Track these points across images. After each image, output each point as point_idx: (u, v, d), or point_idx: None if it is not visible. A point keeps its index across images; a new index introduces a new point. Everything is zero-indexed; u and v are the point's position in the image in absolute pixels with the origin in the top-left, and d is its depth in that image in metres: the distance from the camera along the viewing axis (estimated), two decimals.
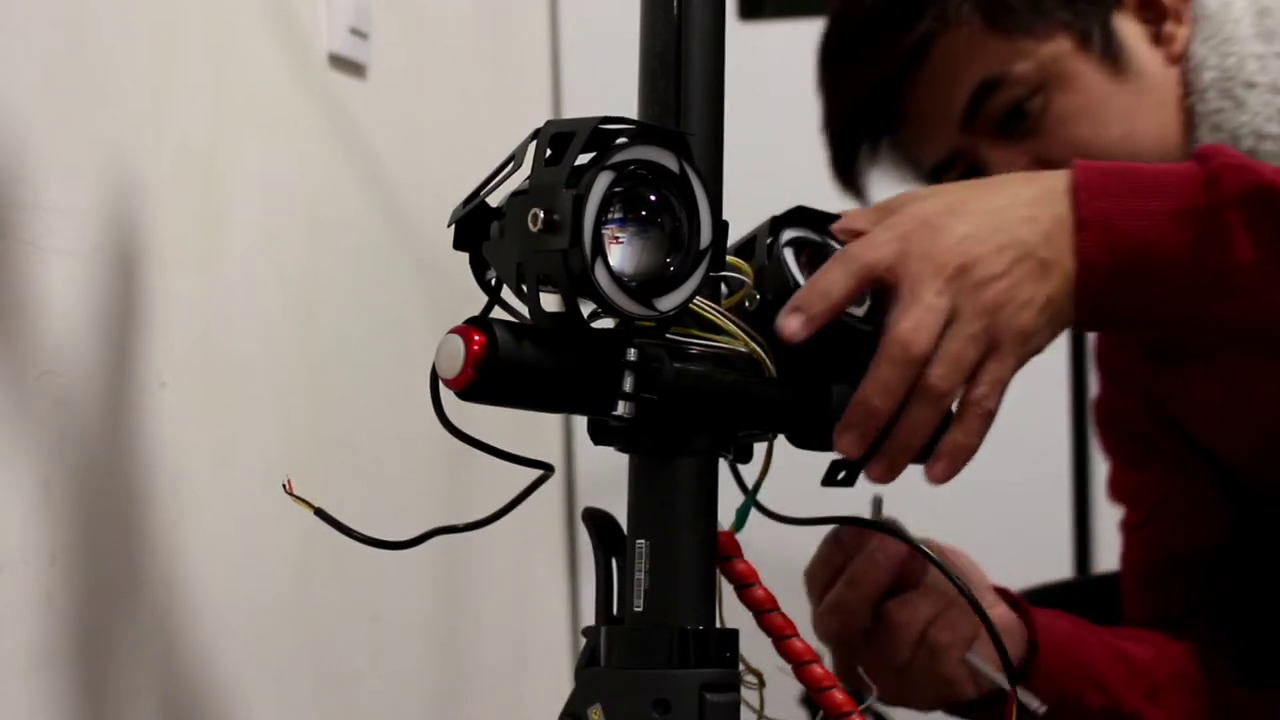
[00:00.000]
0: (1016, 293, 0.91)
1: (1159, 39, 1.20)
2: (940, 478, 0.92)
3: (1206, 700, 1.19)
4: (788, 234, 0.93)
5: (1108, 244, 0.92)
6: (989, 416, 0.92)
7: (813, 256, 0.94)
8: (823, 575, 1.06)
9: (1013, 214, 0.93)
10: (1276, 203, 0.91)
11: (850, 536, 1.06)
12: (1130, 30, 1.20)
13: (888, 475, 0.91)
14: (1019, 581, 1.48)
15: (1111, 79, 1.19)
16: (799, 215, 0.94)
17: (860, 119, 1.24)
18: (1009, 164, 1.18)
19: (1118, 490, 1.36)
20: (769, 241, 0.92)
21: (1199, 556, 1.27)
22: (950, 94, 1.19)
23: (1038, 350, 0.94)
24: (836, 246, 0.95)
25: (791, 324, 0.88)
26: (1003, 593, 1.15)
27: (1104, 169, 0.95)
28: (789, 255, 0.92)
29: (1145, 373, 1.32)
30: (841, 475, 0.93)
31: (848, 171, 1.26)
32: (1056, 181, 0.94)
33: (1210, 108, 1.17)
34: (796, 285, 0.91)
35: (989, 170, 1.18)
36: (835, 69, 1.25)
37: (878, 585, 1.05)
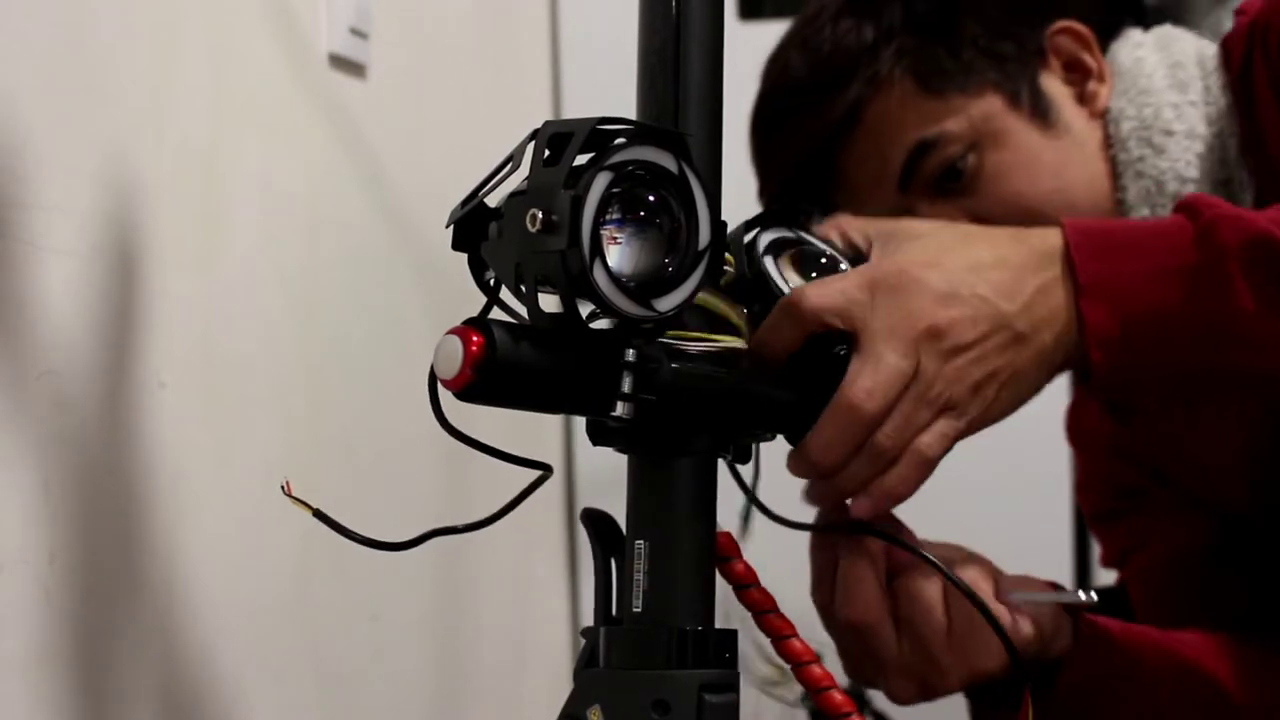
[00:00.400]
0: (984, 365, 0.92)
1: (1082, 98, 1.23)
2: (862, 513, 0.94)
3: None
4: (766, 238, 0.93)
5: (1113, 310, 0.94)
6: (927, 466, 0.93)
7: (798, 256, 0.94)
8: (826, 575, 1.05)
9: (995, 277, 0.94)
10: (1274, 251, 0.93)
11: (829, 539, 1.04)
12: (1056, 89, 1.22)
13: (820, 505, 0.95)
14: (1018, 569, 1.49)
15: (1042, 135, 1.20)
16: (773, 217, 0.94)
17: (796, 185, 1.24)
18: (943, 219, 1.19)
19: (1110, 551, 1.36)
20: (747, 251, 0.92)
21: (1205, 588, 1.27)
22: (885, 156, 1.20)
23: (995, 421, 0.95)
24: (815, 243, 0.95)
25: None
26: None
27: (1094, 228, 0.97)
28: (770, 264, 0.92)
29: (1109, 433, 1.33)
30: None
31: None
32: (1047, 243, 0.96)
33: (1133, 156, 1.19)
34: (781, 293, 0.91)
35: None
36: (768, 138, 1.25)
37: (877, 561, 1.02)
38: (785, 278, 0.94)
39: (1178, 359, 0.94)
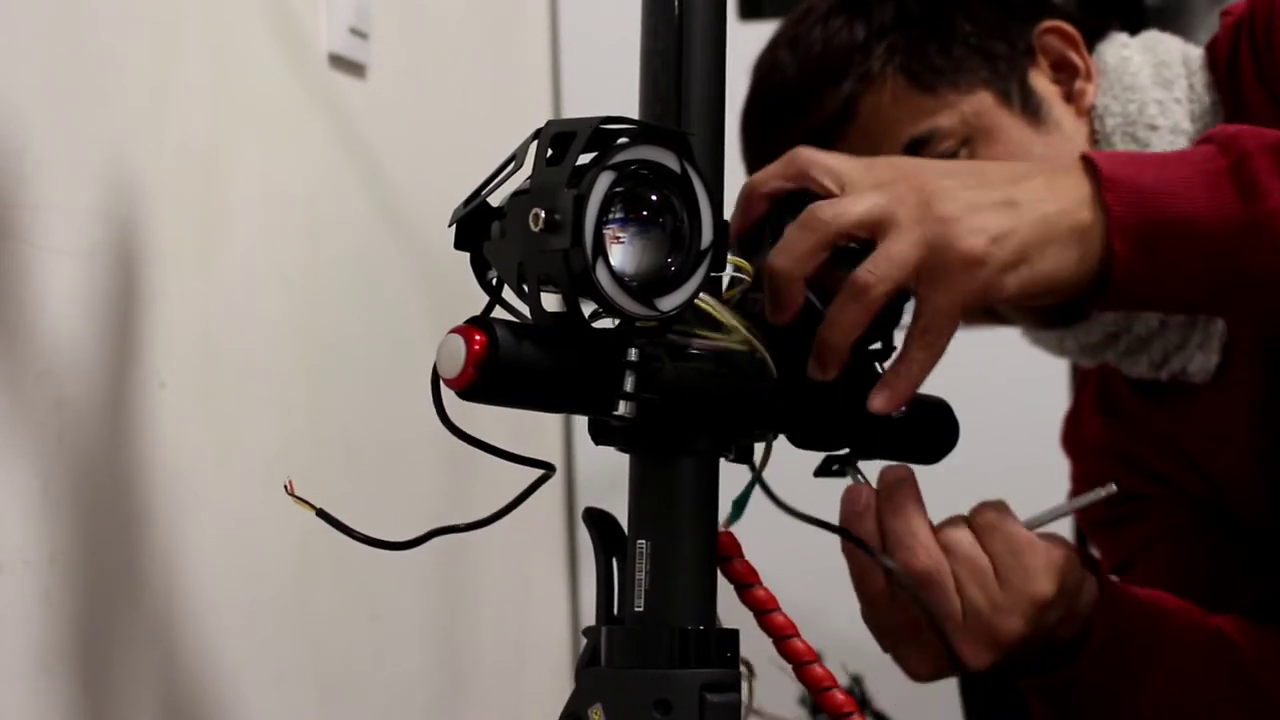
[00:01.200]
0: (972, 217, 0.91)
1: (1069, 96, 1.24)
2: (879, 408, 0.91)
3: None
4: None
5: (1135, 202, 0.92)
6: (932, 349, 0.91)
7: None
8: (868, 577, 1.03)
9: (1009, 170, 0.94)
10: None
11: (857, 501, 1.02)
12: (1045, 87, 1.23)
13: (820, 371, 0.90)
14: None
15: (1032, 131, 1.22)
16: (803, 198, 0.93)
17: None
18: None
19: (1110, 560, 1.36)
20: (774, 226, 0.91)
21: (1206, 587, 1.27)
22: (879, 153, 1.20)
23: (984, 291, 0.91)
24: None
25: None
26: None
27: (1116, 152, 0.95)
28: None
29: (1109, 434, 1.33)
30: (835, 467, 0.95)
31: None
32: (1066, 160, 0.95)
33: (1117, 150, 1.19)
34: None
35: None
36: (758, 136, 1.25)
37: (922, 514, 1.01)
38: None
39: (1201, 257, 0.93)
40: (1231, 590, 1.26)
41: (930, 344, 0.91)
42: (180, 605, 1.14)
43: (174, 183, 1.15)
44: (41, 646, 0.98)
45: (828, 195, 0.92)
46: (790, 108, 1.23)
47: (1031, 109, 1.21)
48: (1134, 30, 1.29)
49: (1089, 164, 0.94)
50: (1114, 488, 1.05)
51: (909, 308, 0.93)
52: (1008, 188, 0.93)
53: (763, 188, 0.95)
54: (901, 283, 0.90)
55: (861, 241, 0.90)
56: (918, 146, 1.19)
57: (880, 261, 0.89)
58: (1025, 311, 1.25)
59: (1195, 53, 1.23)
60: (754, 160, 1.26)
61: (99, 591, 1.04)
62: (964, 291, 0.91)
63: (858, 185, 0.91)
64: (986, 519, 1.02)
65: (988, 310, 1.25)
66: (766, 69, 1.26)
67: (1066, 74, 1.24)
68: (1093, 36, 1.25)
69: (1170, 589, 1.27)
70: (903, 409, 0.92)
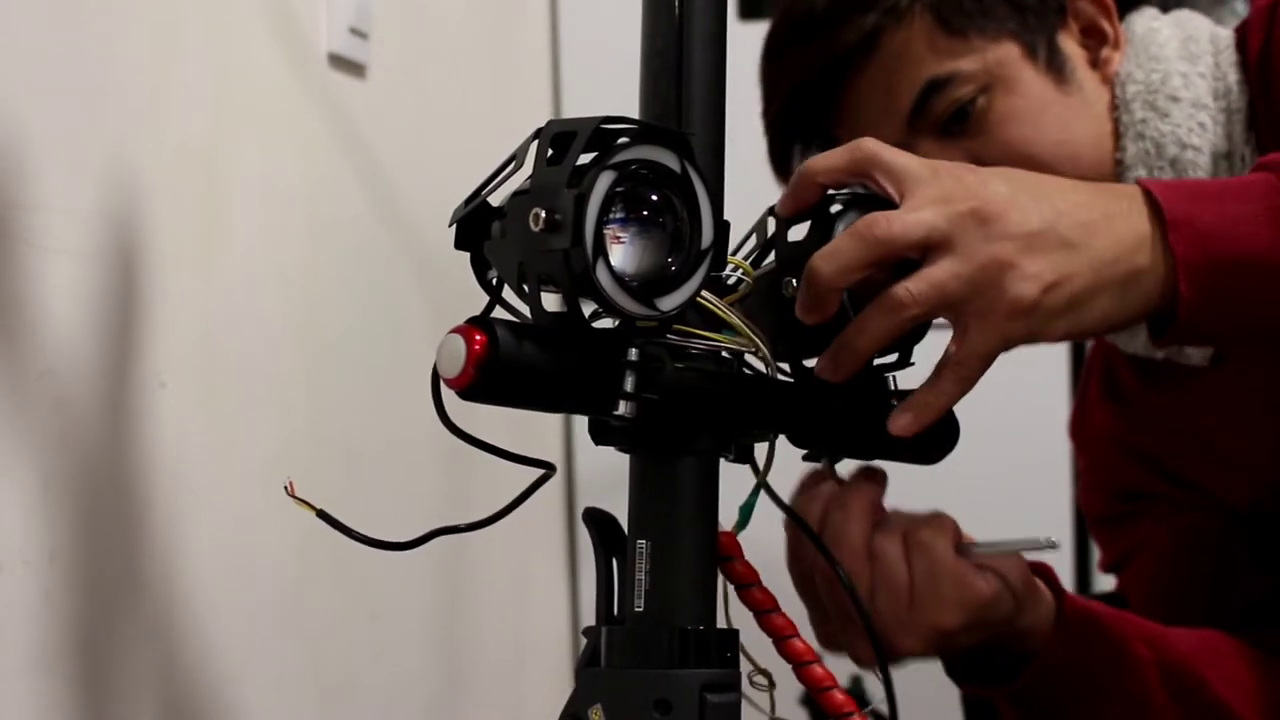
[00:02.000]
0: (1028, 261, 0.88)
1: (1095, 62, 1.24)
2: (899, 430, 0.90)
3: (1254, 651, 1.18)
4: (842, 225, 0.91)
5: (1200, 244, 0.91)
6: (964, 383, 0.90)
7: None
8: (800, 555, 1.05)
9: (1072, 198, 0.91)
10: None
11: (816, 490, 1.04)
12: (1072, 49, 1.23)
13: (831, 372, 0.90)
14: None
15: (1054, 88, 1.21)
16: (861, 201, 0.92)
17: (801, 105, 1.24)
18: (947, 160, 1.19)
19: (1110, 555, 1.37)
20: (824, 229, 0.90)
21: (1207, 589, 1.27)
22: (897, 90, 1.20)
23: (1028, 336, 0.90)
24: None
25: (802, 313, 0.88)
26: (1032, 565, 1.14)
27: (1171, 183, 0.95)
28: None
29: (1115, 423, 1.33)
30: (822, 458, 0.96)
31: (784, 161, 1.27)
32: (1125, 188, 0.94)
33: (1135, 118, 1.20)
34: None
35: None
36: (779, 56, 1.25)
37: (863, 517, 1.03)
38: None
39: (1269, 296, 0.92)
40: (1227, 592, 1.26)
41: (963, 378, 0.89)
42: (180, 605, 1.14)
43: (174, 183, 1.15)
44: (41, 646, 0.98)
45: (885, 196, 0.90)
46: (812, 33, 1.22)
47: (1056, 67, 1.21)
48: (1165, 8, 1.29)
49: (1149, 198, 0.92)
50: (1057, 542, 1.06)
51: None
52: (1068, 219, 0.90)
53: (820, 176, 0.92)
54: (938, 311, 0.88)
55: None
56: (937, 87, 1.19)
57: (923, 285, 0.87)
58: None
59: (1224, 33, 1.23)
60: (771, 81, 1.26)
61: (99, 591, 1.04)
62: (1007, 336, 0.89)
63: (919, 197, 0.88)
64: (920, 538, 1.03)
65: None
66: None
67: (1095, 40, 1.24)
68: (1126, 6, 1.25)
69: (1161, 590, 1.27)
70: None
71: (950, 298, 0.88)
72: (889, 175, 0.90)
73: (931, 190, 0.89)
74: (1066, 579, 2.00)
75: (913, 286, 0.87)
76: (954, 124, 1.20)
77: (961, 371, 0.89)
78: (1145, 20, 1.24)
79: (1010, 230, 0.89)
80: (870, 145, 0.91)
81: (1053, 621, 1.08)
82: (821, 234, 0.90)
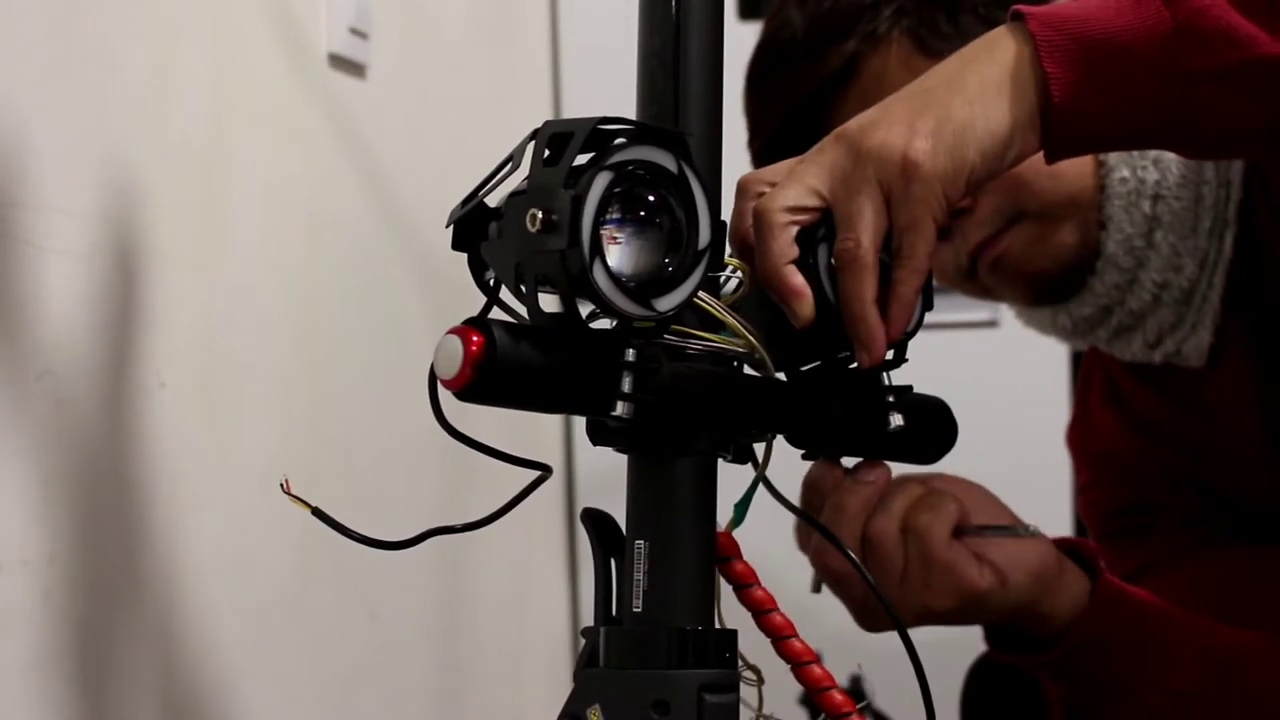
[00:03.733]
0: (893, 129, 0.87)
1: None
2: (870, 350, 0.88)
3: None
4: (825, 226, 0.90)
5: (1060, 28, 0.89)
6: (910, 266, 0.87)
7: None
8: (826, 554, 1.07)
9: (919, 76, 0.91)
10: None
11: (823, 478, 1.05)
12: None
13: (867, 354, 0.88)
14: None
15: None
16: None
17: (785, 136, 1.24)
18: None
19: (1119, 572, 1.37)
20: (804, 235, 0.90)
21: (1220, 604, 1.27)
22: None
23: (941, 186, 0.87)
24: None
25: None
26: (1070, 543, 1.15)
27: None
28: (820, 252, 0.90)
29: (1119, 429, 1.33)
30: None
31: None
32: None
33: None
34: (820, 286, 0.89)
35: None
36: (762, 86, 1.26)
37: (862, 505, 1.04)
38: (833, 279, 0.91)
39: (1140, 71, 0.89)
40: (1236, 609, 1.26)
41: (907, 260, 0.87)
42: (180, 605, 1.15)
43: (174, 183, 1.15)
44: (41, 646, 0.99)
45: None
46: (794, 62, 1.23)
47: None
48: None
49: (1008, 13, 0.91)
50: (1037, 528, 1.09)
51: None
52: (919, 86, 0.90)
53: (741, 231, 0.91)
54: (880, 231, 0.87)
55: (823, 215, 0.89)
56: None
57: (847, 223, 0.86)
58: (1016, 288, 1.25)
59: None
60: (755, 111, 1.26)
61: (99, 591, 1.04)
62: (917, 197, 0.87)
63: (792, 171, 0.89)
64: (917, 523, 1.05)
65: (978, 284, 1.24)
66: (775, 25, 1.26)
67: None
68: None
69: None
70: (899, 423, 0.92)
71: (869, 216, 0.86)
72: (761, 182, 0.90)
73: (804, 155, 0.90)
74: None
75: (841, 235, 0.87)
76: None
77: (902, 256, 0.88)
78: None
79: (868, 127, 0.88)
80: (747, 178, 0.91)
81: (1084, 603, 1.10)
82: (805, 238, 0.90)
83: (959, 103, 0.88)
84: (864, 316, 0.87)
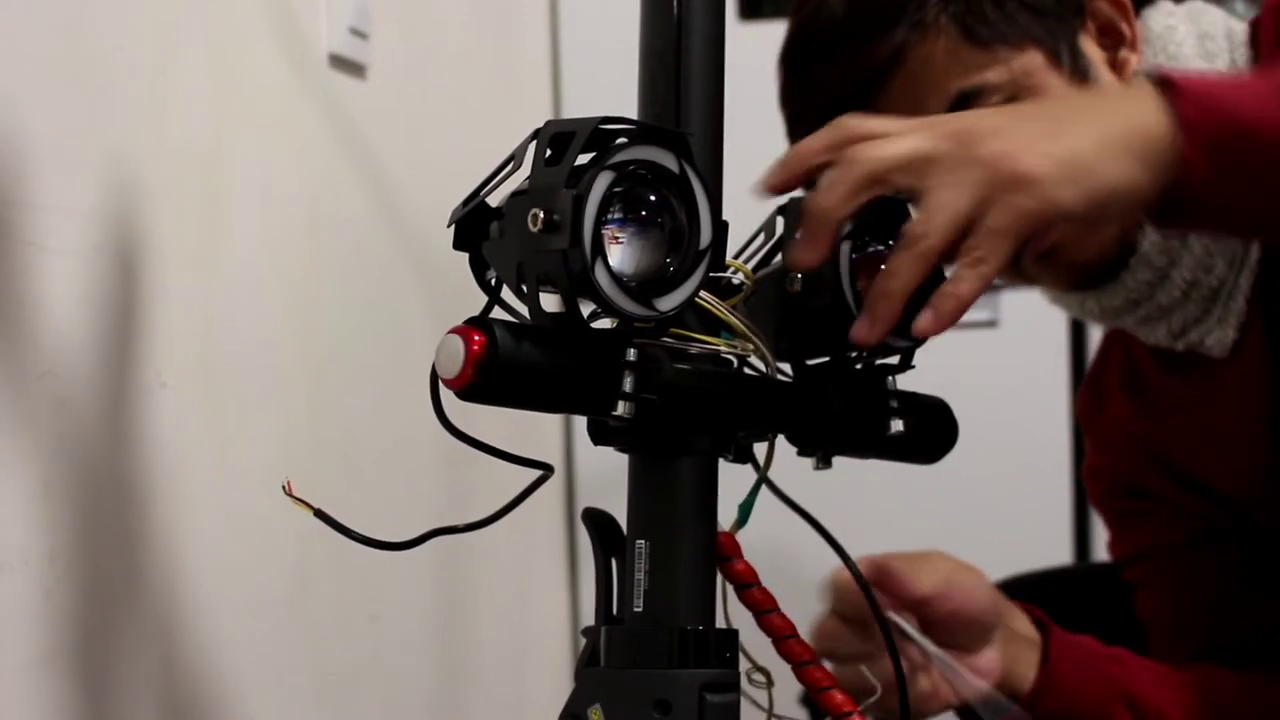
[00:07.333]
0: (1025, 143, 0.86)
1: (1114, 64, 1.22)
2: (923, 329, 0.87)
3: (1237, 695, 1.20)
4: (850, 222, 0.90)
5: (1209, 109, 0.88)
6: (980, 270, 0.86)
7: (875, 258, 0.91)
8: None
9: (1065, 103, 0.93)
10: None
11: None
12: (1093, 51, 1.22)
13: (869, 327, 0.86)
14: (1018, 568, 1.49)
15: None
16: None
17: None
18: None
19: (1119, 549, 1.37)
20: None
21: (1215, 602, 1.28)
22: (925, 104, 1.19)
23: (1045, 207, 0.86)
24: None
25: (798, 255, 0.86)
26: (1031, 610, 1.18)
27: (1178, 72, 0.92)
28: (845, 250, 0.89)
29: (1133, 416, 1.33)
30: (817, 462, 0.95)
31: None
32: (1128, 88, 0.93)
33: None
34: (840, 287, 0.88)
35: None
36: (804, 73, 1.24)
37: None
38: (854, 277, 0.90)
39: (1270, 175, 0.89)
40: (1224, 614, 1.26)
41: (979, 261, 0.85)
42: (180, 605, 1.15)
43: (174, 183, 1.15)
44: (42, 645, 0.99)
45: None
46: (837, 49, 1.21)
47: (1080, 72, 1.20)
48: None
49: (1154, 78, 0.90)
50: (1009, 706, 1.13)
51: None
52: (1052, 111, 0.90)
53: (810, 159, 0.89)
54: (956, 232, 0.86)
55: (905, 192, 0.87)
56: (966, 100, 1.18)
57: (931, 210, 0.85)
58: (1060, 277, 1.25)
59: (1239, 27, 1.22)
60: (797, 101, 1.25)
61: (99, 590, 1.04)
62: (1019, 209, 0.86)
63: (904, 131, 0.87)
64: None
65: (1021, 273, 1.24)
66: (811, 7, 1.24)
67: (1113, 40, 1.23)
68: (1141, 2, 1.24)
69: (1176, 614, 1.28)
70: (900, 429, 0.92)
71: (959, 213, 0.85)
72: (873, 135, 0.88)
73: (916, 124, 0.88)
74: (1066, 553, 2.01)
75: (923, 216, 0.85)
76: None
77: (977, 255, 0.86)
78: (1161, 17, 1.23)
79: (998, 131, 0.87)
80: (850, 121, 0.89)
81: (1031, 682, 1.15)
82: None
83: (1089, 143, 0.87)
84: (890, 294, 0.85)
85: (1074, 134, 0.87)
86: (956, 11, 1.19)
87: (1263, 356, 1.21)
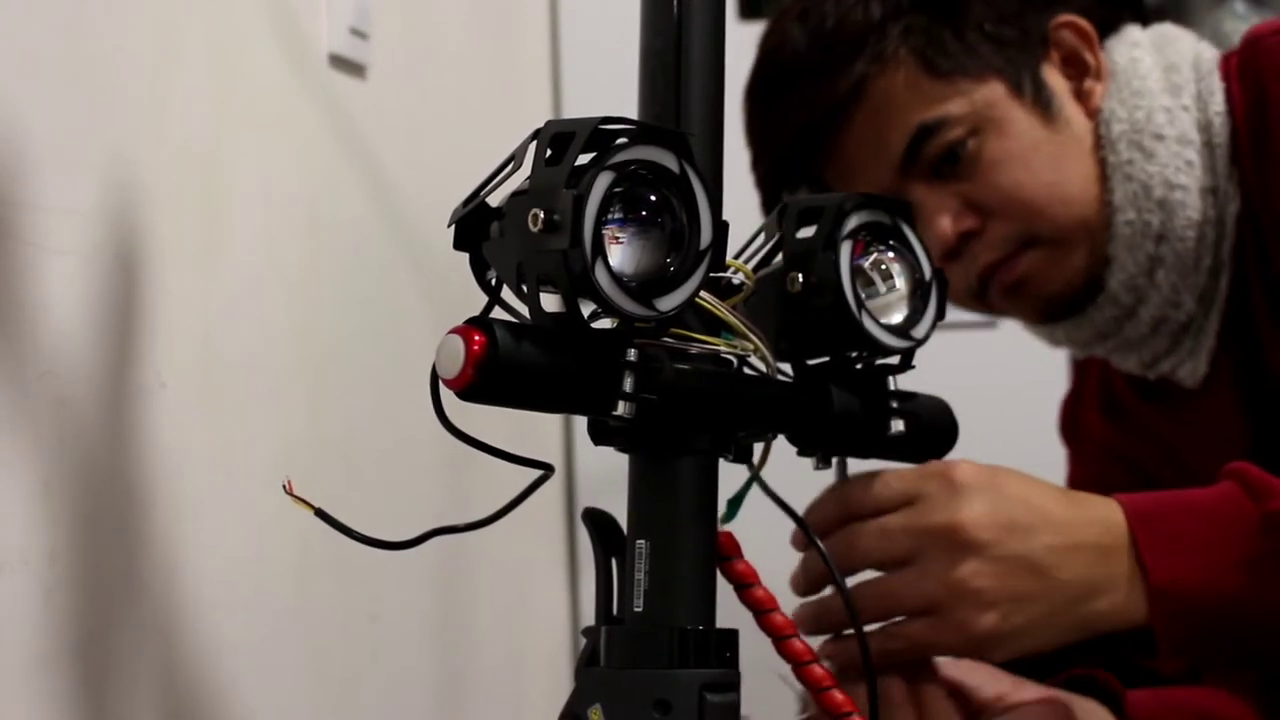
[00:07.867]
0: (990, 590, 0.99)
1: (1079, 94, 1.22)
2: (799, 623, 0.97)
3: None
4: (856, 219, 0.90)
5: (1182, 610, 0.99)
6: (894, 644, 1.00)
7: (878, 263, 0.91)
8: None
9: (1050, 518, 1.02)
10: None
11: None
12: (1056, 81, 1.22)
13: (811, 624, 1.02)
14: None
15: (1042, 126, 1.20)
16: (874, 201, 0.91)
17: (793, 159, 1.23)
18: (938, 205, 1.19)
19: None
20: (833, 225, 0.88)
21: None
22: (886, 136, 1.19)
23: (972, 656, 1.01)
24: (912, 241, 0.91)
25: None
26: (1092, 676, 1.17)
27: (1154, 515, 1.01)
28: (846, 252, 0.88)
29: (1111, 436, 1.34)
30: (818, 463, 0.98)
31: (775, 206, 1.26)
32: (1110, 520, 1.02)
33: (1122, 159, 1.19)
34: (843, 292, 0.88)
35: (918, 210, 1.17)
36: (767, 108, 1.24)
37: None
38: (855, 278, 0.90)
39: (1247, 640, 1.00)
40: None
41: (886, 652, 1.00)
42: (180, 605, 1.14)
43: (174, 183, 1.15)
44: (42, 645, 0.99)
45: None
46: (799, 83, 1.22)
47: (1043, 102, 1.20)
48: (1144, 22, 1.27)
49: (1141, 568, 1.00)
50: None
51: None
52: (1040, 544, 1.00)
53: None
54: (894, 615, 1.01)
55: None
56: (927, 133, 1.18)
57: (880, 594, 1.01)
58: (1026, 309, 1.25)
59: (1208, 54, 1.22)
60: (760, 133, 1.25)
61: (99, 591, 1.04)
62: (952, 650, 1.01)
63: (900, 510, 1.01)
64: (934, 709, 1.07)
65: (987, 304, 1.25)
66: (775, 41, 1.24)
67: (1077, 70, 1.23)
68: (1105, 29, 1.24)
69: None
70: (900, 429, 0.93)
71: (908, 611, 0.99)
72: (877, 504, 1.01)
73: (918, 556, 1.01)
74: None
75: (870, 592, 0.99)
76: (945, 166, 1.19)
77: (895, 646, 1.01)
78: (1126, 49, 1.23)
79: (981, 598, 0.99)
80: (854, 491, 1.02)
81: None
82: (830, 232, 0.89)
83: (1049, 608, 1.00)
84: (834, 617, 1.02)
85: (1042, 586, 1.00)
86: (916, 44, 1.19)
87: (1234, 389, 1.21)
